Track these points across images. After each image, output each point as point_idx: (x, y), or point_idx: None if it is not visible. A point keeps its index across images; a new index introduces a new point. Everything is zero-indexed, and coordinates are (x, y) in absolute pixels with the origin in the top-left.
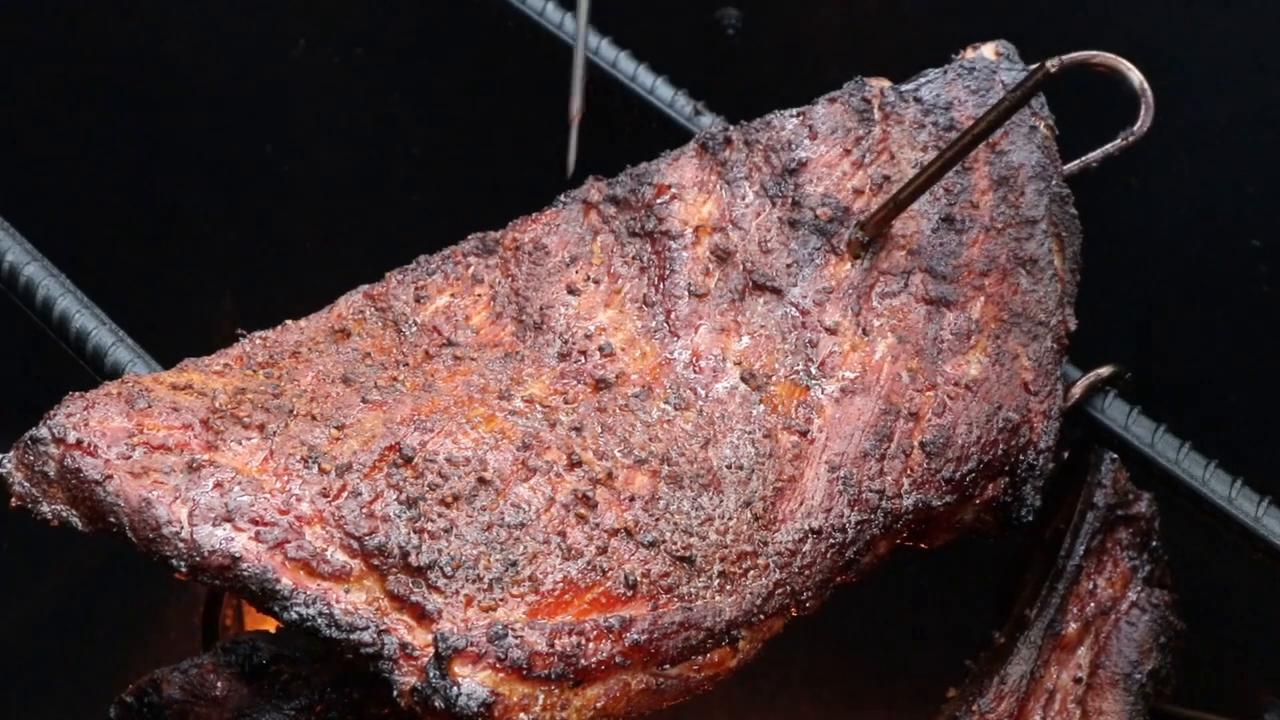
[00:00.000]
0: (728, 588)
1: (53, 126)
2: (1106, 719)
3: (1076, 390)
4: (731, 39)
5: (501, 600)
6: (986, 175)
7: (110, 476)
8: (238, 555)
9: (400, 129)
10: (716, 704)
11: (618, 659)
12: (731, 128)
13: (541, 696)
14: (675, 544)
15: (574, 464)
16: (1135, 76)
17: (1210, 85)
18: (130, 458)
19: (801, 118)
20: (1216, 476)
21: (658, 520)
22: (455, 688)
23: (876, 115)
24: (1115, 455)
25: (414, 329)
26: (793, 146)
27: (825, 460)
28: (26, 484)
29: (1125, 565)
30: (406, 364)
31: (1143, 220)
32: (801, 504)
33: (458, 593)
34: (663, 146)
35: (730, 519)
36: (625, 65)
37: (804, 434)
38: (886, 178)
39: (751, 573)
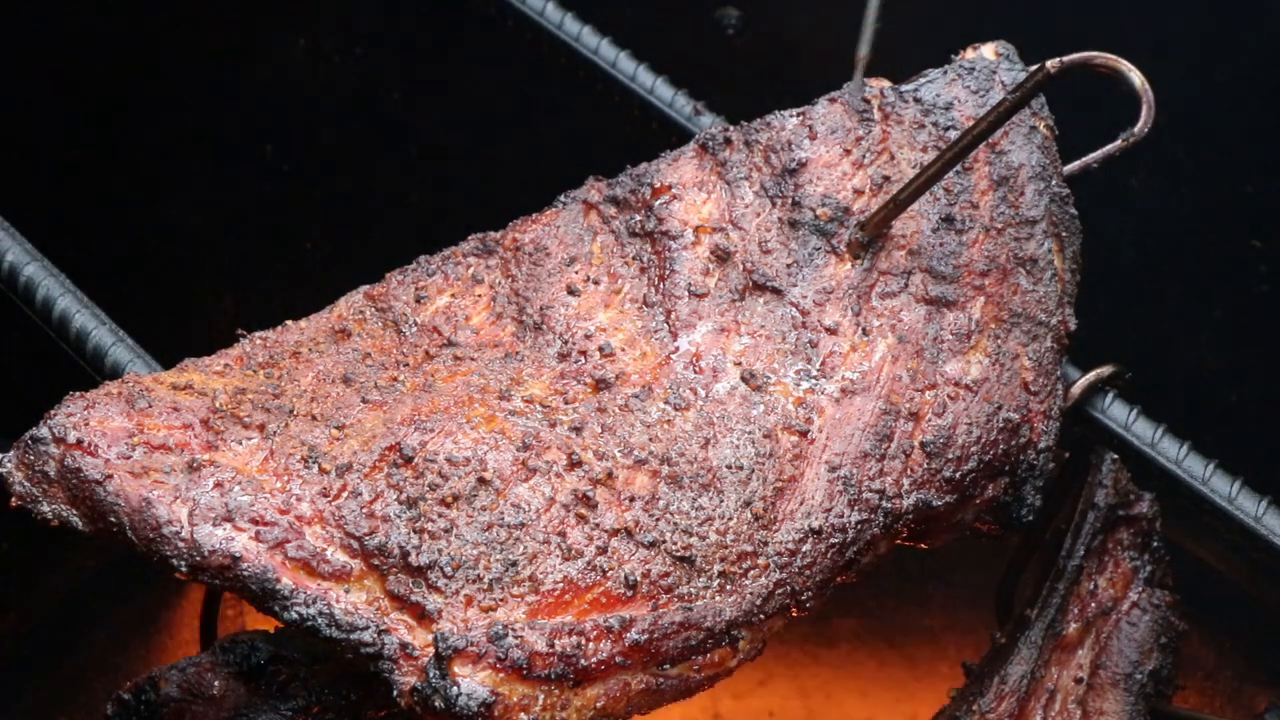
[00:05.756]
0: (728, 588)
1: (53, 126)
2: (1107, 719)
3: (1076, 390)
4: (731, 39)
5: (501, 600)
6: (986, 175)
7: (110, 476)
8: (238, 555)
9: (400, 129)
10: (716, 704)
11: (618, 659)
12: (731, 128)
13: (541, 696)
14: (675, 544)
15: (574, 464)
16: (1136, 77)
17: (1210, 85)
18: (130, 457)
19: (801, 118)
20: (1217, 476)
21: (658, 520)
22: (455, 688)
23: (876, 115)
24: (1116, 455)
25: (414, 329)
26: (792, 146)
27: (825, 460)
28: (27, 483)
29: (1126, 566)
30: (407, 364)
31: (1143, 220)
32: (801, 504)
33: (458, 593)
34: (663, 146)
35: (730, 519)
36: (625, 65)
37: (804, 434)
38: (886, 178)
39: (752, 573)
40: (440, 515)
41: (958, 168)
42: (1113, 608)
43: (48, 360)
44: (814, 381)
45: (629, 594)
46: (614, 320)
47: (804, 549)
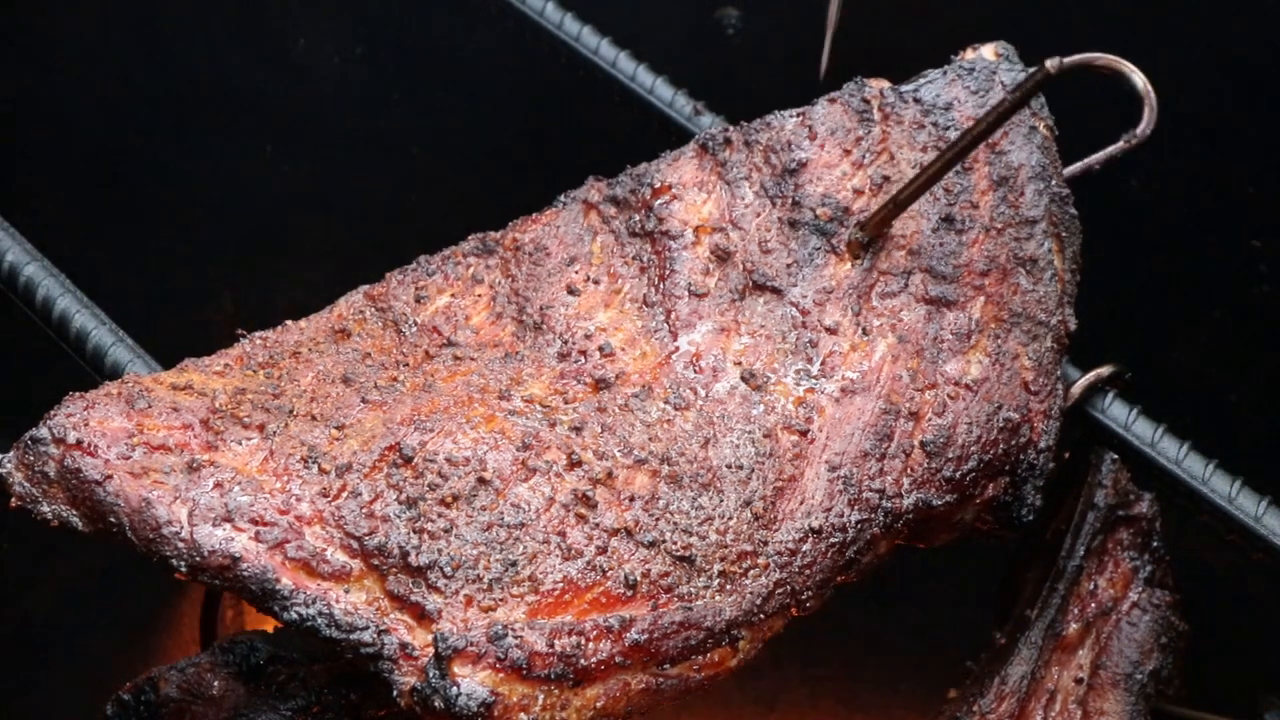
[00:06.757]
0: (728, 587)
1: (52, 127)
2: (1108, 719)
3: (1077, 390)
4: (731, 39)
5: (501, 600)
6: (986, 176)
7: (110, 476)
8: (237, 555)
9: (400, 129)
10: (716, 705)
11: (617, 659)
12: (731, 128)
13: (541, 696)
14: (675, 544)
15: (574, 464)
16: (1138, 79)
17: (1211, 85)
18: (130, 458)
19: (801, 118)
20: (1217, 476)
21: (657, 520)
22: (455, 688)
23: (876, 116)
24: (1116, 455)
25: (414, 329)
26: (792, 147)
27: (825, 460)
28: (26, 484)
29: (1126, 566)
30: (406, 364)
31: (1143, 220)
32: (801, 503)
33: (457, 593)
34: (663, 146)
35: (730, 518)
36: (625, 65)
37: (804, 434)
38: (886, 178)
39: (752, 572)
40: (440, 515)
41: (957, 168)
42: (1113, 608)
43: (48, 360)
44: (814, 381)
45: (629, 594)
46: (614, 320)
47: (804, 548)
